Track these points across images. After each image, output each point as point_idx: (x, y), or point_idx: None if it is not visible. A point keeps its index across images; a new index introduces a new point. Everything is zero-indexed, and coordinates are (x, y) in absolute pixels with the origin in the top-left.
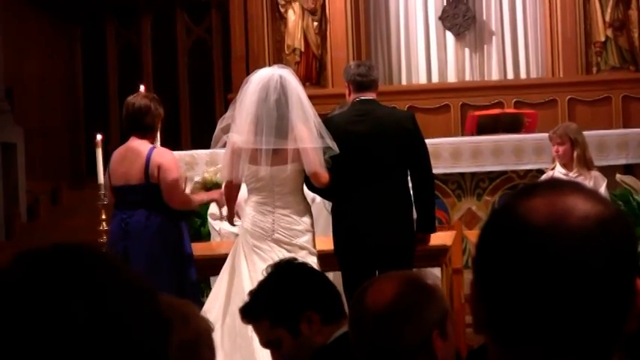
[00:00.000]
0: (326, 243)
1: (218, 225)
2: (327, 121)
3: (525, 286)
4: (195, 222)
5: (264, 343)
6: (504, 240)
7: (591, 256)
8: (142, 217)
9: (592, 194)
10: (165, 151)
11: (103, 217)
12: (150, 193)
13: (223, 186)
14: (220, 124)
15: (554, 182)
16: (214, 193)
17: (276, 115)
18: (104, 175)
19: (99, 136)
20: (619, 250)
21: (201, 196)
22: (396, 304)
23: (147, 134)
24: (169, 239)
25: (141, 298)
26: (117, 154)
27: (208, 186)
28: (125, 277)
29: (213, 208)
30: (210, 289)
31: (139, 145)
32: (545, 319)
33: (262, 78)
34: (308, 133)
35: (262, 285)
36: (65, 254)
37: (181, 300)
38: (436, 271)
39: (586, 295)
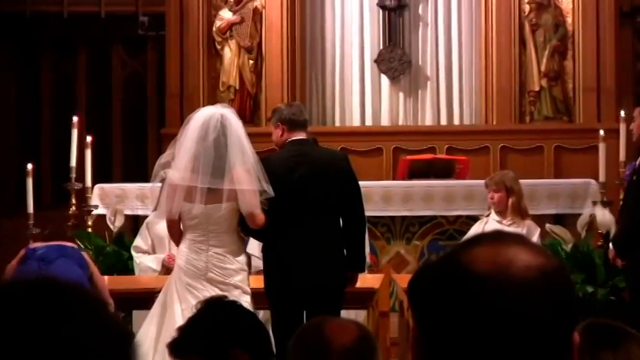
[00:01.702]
0: (259, 281)
1: (139, 258)
2: (264, 160)
3: (466, 334)
4: (122, 255)
5: None
6: (447, 287)
7: (532, 306)
8: (66, 263)
9: (534, 246)
10: None
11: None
12: (77, 255)
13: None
14: (160, 160)
15: (498, 234)
16: None
17: (213, 155)
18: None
19: (29, 166)
20: (559, 302)
21: None
22: (363, 341)
23: None
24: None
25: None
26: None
27: None
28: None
29: (137, 241)
30: (125, 322)
31: None
32: None
33: (204, 116)
34: (246, 175)
35: (192, 322)
36: (41, 288)
37: None
38: (362, 314)
39: (526, 344)
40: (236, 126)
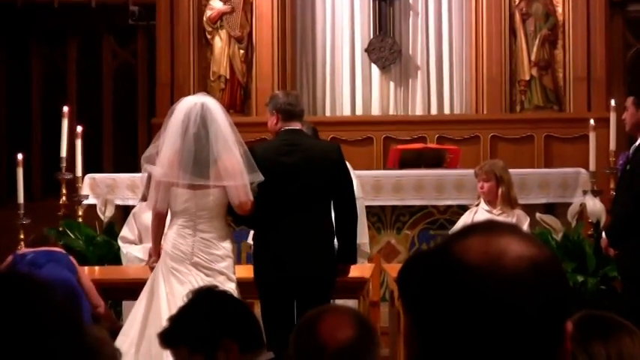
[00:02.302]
0: (250, 271)
1: (126, 249)
2: (254, 148)
3: (458, 325)
4: (113, 245)
5: None
6: (439, 278)
7: (524, 297)
8: (56, 267)
9: (527, 236)
10: None
11: (22, 236)
12: (66, 259)
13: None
14: (145, 154)
15: (491, 224)
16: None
17: (194, 149)
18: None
19: (20, 156)
20: (551, 293)
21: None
22: (357, 341)
23: None
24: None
25: (70, 327)
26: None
27: None
28: (56, 306)
29: (124, 232)
30: (115, 312)
31: None
32: (477, 357)
33: (185, 109)
34: (233, 165)
35: (182, 311)
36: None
37: (93, 326)
38: (353, 304)
39: (518, 335)
40: (217, 115)
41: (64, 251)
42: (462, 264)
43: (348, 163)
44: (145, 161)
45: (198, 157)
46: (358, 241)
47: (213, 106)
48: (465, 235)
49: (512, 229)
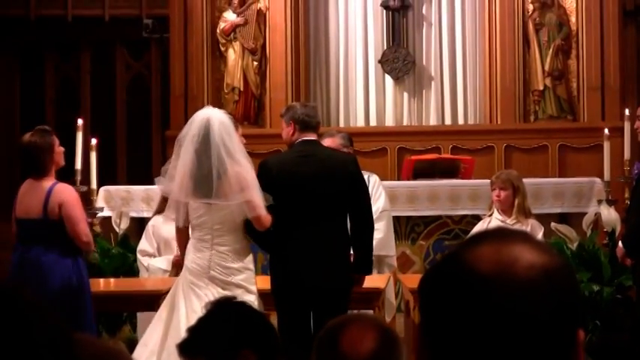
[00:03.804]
0: (264, 281)
1: (147, 261)
2: (267, 161)
3: (469, 334)
4: (128, 257)
5: None
6: (450, 287)
7: (536, 306)
8: (37, 255)
9: (539, 244)
10: (67, 186)
11: None
12: (47, 228)
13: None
14: (164, 167)
15: (502, 231)
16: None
17: (198, 166)
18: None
19: None
20: (563, 301)
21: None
22: (380, 354)
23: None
24: (65, 274)
25: (59, 339)
26: (26, 184)
27: None
28: (46, 320)
29: (143, 245)
30: (131, 324)
31: (42, 180)
32: None
33: (197, 122)
34: (241, 181)
35: (201, 322)
36: None
37: (112, 345)
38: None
39: (529, 344)
40: (222, 130)
41: (51, 216)
42: (473, 273)
43: (375, 176)
44: (162, 175)
45: (204, 174)
46: (385, 253)
47: (219, 121)
48: (476, 243)
49: (523, 237)
